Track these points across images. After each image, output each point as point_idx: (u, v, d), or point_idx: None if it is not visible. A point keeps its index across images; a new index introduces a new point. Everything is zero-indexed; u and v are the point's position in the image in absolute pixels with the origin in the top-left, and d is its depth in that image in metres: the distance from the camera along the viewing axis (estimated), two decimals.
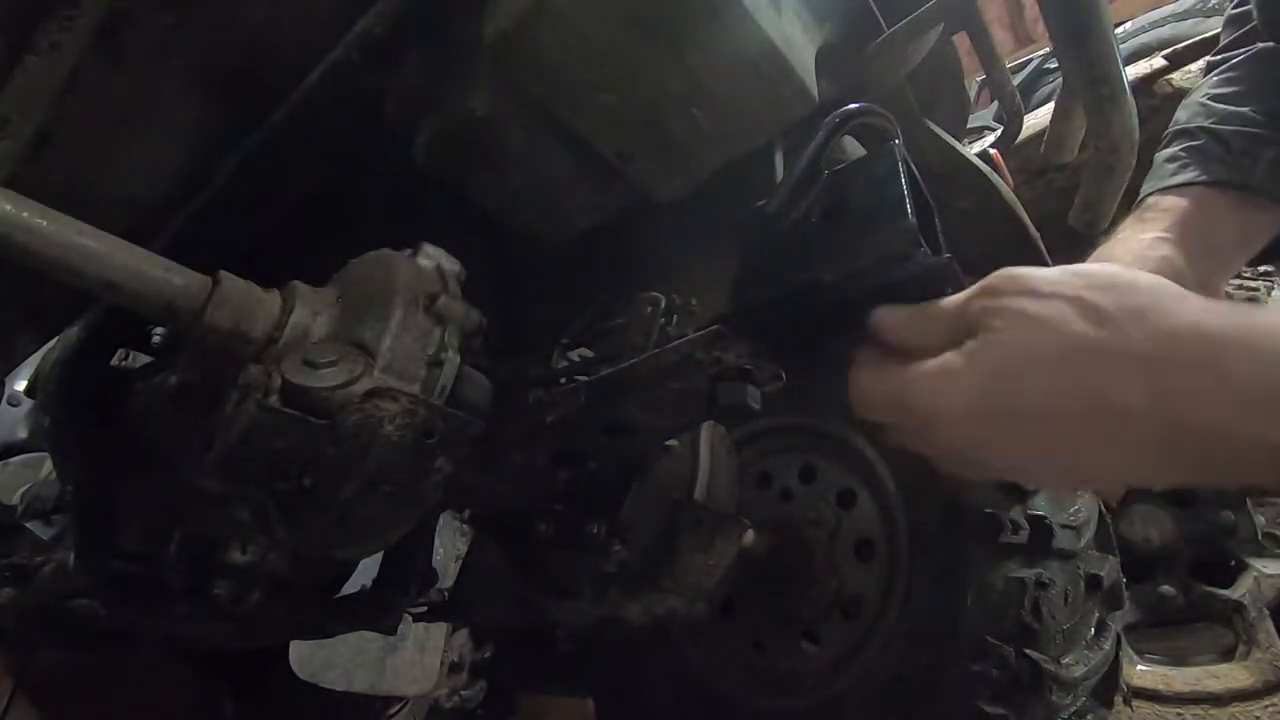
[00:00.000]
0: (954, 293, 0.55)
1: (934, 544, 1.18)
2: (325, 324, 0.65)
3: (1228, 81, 1.17)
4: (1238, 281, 1.78)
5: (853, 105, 0.69)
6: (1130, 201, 1.15)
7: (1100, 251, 1.09)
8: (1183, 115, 1.19)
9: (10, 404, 1.35)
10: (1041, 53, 3.03)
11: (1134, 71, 2.01)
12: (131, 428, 0.84)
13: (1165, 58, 2.06)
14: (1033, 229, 1.26)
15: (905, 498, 1.23)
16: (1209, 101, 1.16)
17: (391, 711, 1.85)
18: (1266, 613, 1.78)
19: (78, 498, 0.93)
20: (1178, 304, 0.47)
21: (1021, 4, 4.92)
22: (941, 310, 0.55)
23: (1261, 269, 1.81)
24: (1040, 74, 2.97)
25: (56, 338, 0.93)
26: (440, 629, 1.84)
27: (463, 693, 1.93)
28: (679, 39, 0.71)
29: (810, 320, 0.62)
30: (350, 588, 1.18)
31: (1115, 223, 1.13)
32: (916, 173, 0.61)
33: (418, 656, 1.74)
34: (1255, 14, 1.16)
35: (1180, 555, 1.93)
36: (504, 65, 0.74)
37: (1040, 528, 1.13)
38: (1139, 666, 1.80)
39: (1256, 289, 1.76)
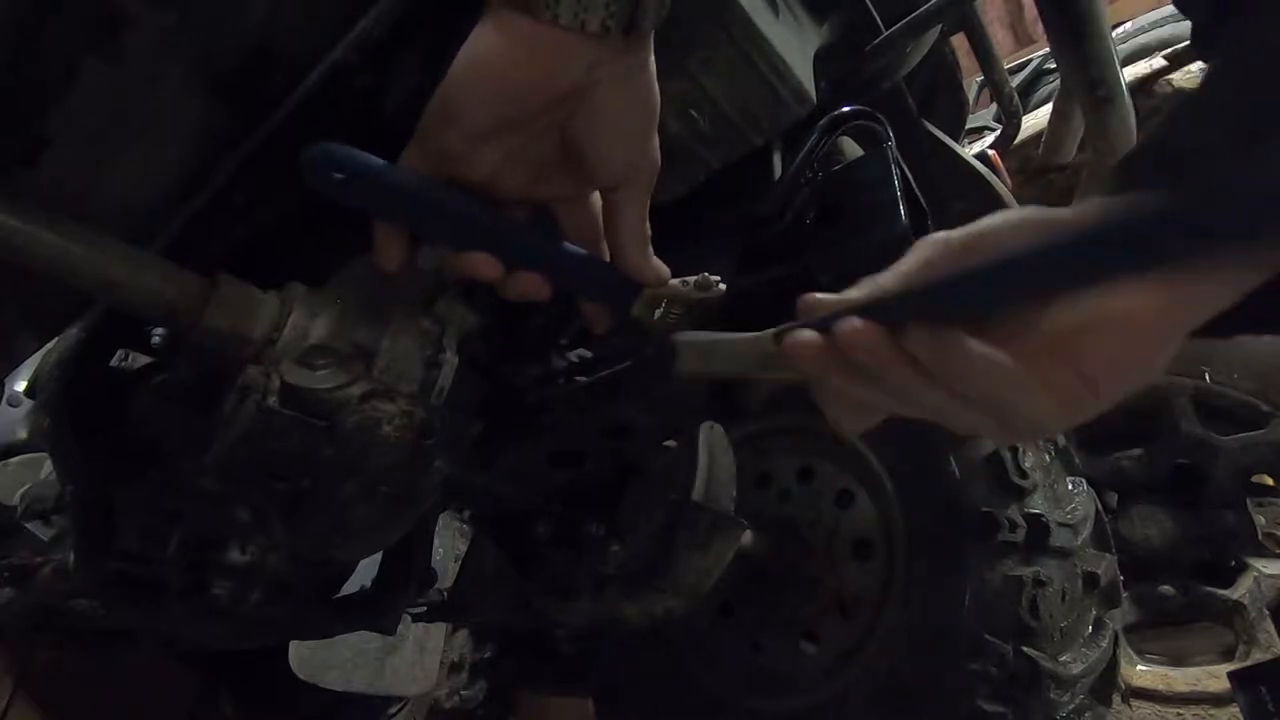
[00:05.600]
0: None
1: (932, 543, 1.18)
2: (324, 325, 0.65)
3: None
4: None
5: (846, 108, 0.69)
6: None
7: None
8: None
9: (10, 404, 1.35)
10: (1041, 53, 3.03)
11: (1134, 71, 2.01)
12: (131, 428, 0.84)
13: (1165, 58, 2.06)
14: None
15: (903, 497, 1.23)
16: None
17: (391, 711, 1.86)
18: (1266, 613, 1.78)
19: (78, 498, 0.93)
20: None
21: (1021, 4, 4.92)
22: None
23: None
24: (1040, 74, 2.97)
25: (56, 338, 0.93)
26: (440, 629, 1.84)
27: (463, 693, 1.93)
28: (677, 41, 0.72)
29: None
30: (350, 588, 1.18)
31: None
32: (910, 176, 0.61)
33: (417, 656, 1.74)
34: None
35: (1180, 555, 1.92)
36: None
37: (1037, 526, 1.13)
38: (1139, 666, 1.80)
39: None
